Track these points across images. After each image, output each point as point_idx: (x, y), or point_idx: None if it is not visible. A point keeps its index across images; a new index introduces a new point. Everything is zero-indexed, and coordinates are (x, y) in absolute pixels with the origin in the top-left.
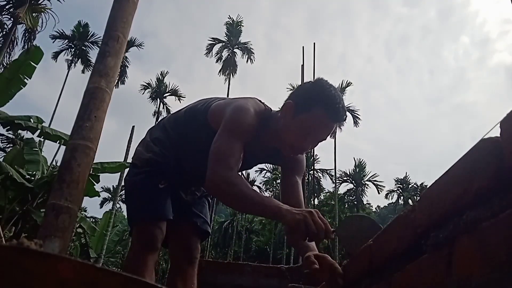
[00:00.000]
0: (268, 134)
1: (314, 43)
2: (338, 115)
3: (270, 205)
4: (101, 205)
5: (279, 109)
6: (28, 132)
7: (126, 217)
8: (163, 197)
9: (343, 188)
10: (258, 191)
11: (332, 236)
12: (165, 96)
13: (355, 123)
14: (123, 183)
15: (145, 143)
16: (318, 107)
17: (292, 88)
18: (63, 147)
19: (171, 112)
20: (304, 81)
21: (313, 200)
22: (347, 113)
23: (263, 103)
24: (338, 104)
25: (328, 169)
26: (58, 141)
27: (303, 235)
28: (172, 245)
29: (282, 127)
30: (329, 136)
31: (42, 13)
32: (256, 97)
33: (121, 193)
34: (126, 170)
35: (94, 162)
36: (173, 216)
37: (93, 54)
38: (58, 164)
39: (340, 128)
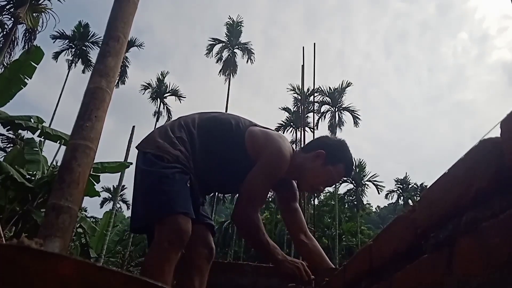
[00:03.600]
0: (289, 170)
1: (314, 44)
2: (351, 173)
3: (273, 255)
4: (101, 205)
5: (300, 149)
6: (28, 132)
7: (142, 214)
8: (190, 196)
9: (343, 188)
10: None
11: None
12: (166, 96)
13: (355, 123)
14: (123, 183)
15: (169, 139)
16: (342, 164)
17: (292, 88)
18: (63, 147)
19: (185, 115)
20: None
21: (313, 201)
22: (348, 113)
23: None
24: (353, 165)
25: None
26: (59, 141)
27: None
28: (190, 245)
29: (308, 168)
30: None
31: (43, 13)
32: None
33: (121, 193)
34: (127, 170)
35: (94, 162)
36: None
37: (93, 54)
38: (59, 164)
39: (340, 128)
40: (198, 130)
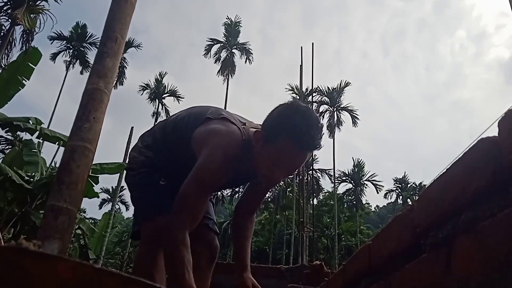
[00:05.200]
0: (250, 161)
1: (313, 43)
2: (305, 143)
3: (184, 283)
4: (100, 206)
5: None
6: (27, 133)
7: (133, 223)
8: (166, 192)
9: (342, 188)
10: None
11: None
12: (164, 97)
13: (354, 123)
14: (122, 184)
15: (138, 149)
16: (283, 137)
17: (290, 88)
18: (62, 148)
19: (167, 117)
20: (301, 82)
21: (312, 200)
22: (347, 113)
23: (244, 128)
24: (305, 132)
25: (327, 169)
26: (57, 142)
27: None
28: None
29: (255, 156)
30: (303, 163)
31: (40, 14)
32: (240, 118)
33: (120, 194)
34: (126, 171)
35: (93, 163)
36: None
37: (91, 55)
38: (57, 165)
39: (339, 128)
40: (159, 134)
